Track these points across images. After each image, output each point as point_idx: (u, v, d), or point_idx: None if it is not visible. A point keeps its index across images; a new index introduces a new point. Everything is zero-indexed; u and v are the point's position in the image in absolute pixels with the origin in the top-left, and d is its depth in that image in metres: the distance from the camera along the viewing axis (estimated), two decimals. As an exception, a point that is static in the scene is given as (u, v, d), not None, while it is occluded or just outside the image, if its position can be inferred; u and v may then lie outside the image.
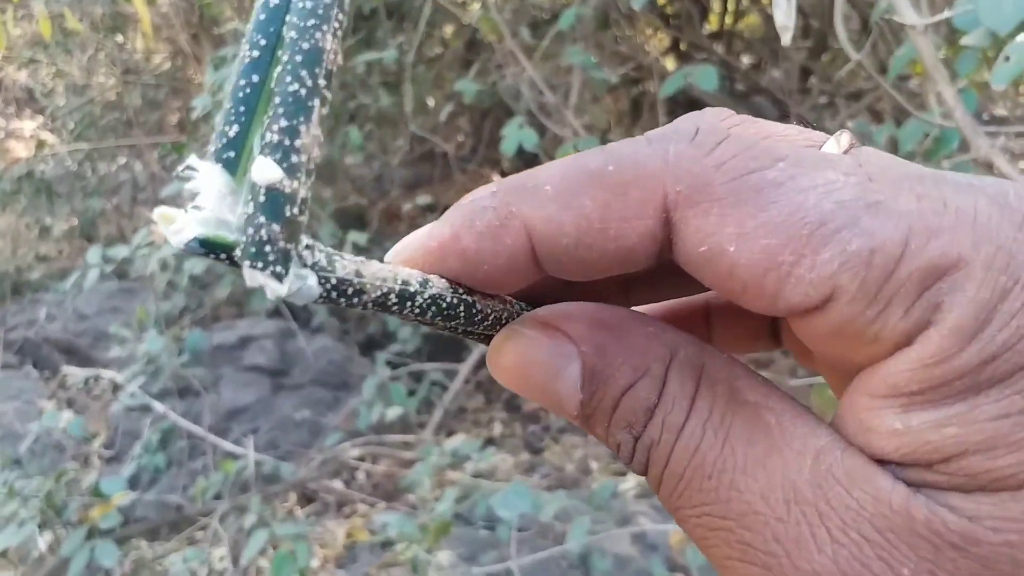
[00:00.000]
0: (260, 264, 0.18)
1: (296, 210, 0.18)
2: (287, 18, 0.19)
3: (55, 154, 2.74)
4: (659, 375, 0.22)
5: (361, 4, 2.02)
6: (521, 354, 0.24)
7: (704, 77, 1.28)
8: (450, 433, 2.03)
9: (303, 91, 0.18)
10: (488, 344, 0.26)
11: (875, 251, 0.19)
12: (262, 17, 0.19)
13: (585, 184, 0.22)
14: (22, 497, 1.63)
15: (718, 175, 0.21)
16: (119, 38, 2.69)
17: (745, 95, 2.56)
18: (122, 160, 2.88)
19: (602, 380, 0.22)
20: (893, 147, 1.43)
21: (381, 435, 1.92)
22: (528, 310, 0.25)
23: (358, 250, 2.00)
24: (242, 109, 0.19)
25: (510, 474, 1.90)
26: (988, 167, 0.74)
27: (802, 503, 0.20)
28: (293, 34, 0.19)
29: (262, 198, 0.18)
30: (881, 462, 0.20)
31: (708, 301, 0.30)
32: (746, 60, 2.78)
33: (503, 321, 0.25)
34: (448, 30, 2.51)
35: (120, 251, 1.84)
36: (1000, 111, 2.55)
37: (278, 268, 0.18)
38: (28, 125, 2.96)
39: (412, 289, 0.22)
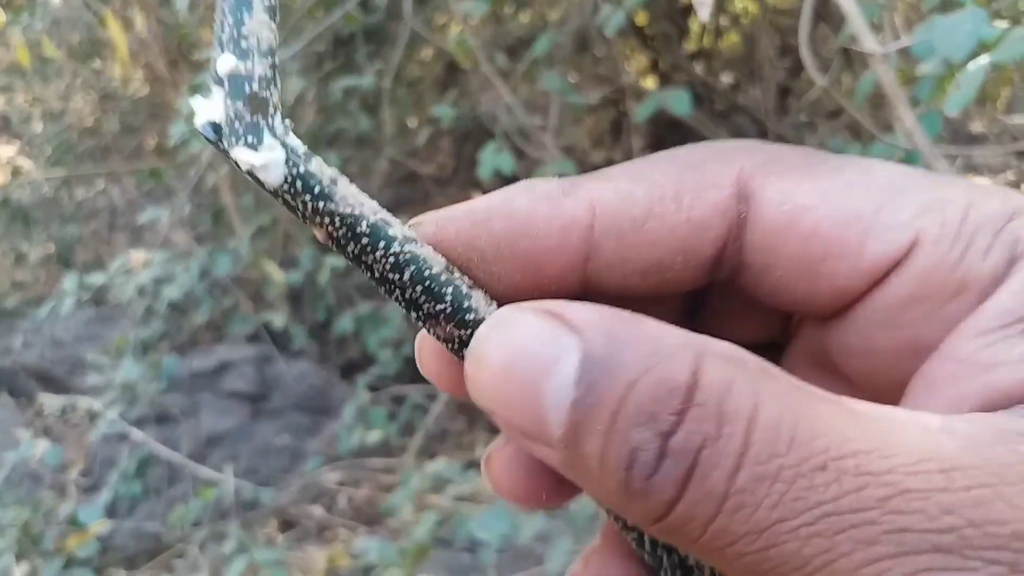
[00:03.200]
0: (235, 139, 0.20)
1: (255, 86, 0.21)
2: None
3: (32, 181, 2.73)
4: (687, 358, 0.17)
5: (339, 29, 2.04)
6: (509, 343, 0.19)
7: (677, 102, 1.30)
8: (432, 456, 2.02)
9: None
10: (457, 353, 0.22)
11: (946, 201, 0.20)
12: None
13: (657, 164, 0.21)
14: (-3, 528, 1.61)
15: (790, 152, 0.21)
16: (96, 64, 2.69)
17: (724, 115, 2.59)
18: (99, 186, 2.87)
19: (606, 368, 0.17)
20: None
21: (362, 459, 1.91)
22: None
23: (337, 276, 2.00)
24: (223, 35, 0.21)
25: (493, 496, 1.90)
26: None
27: (966, 468, 0.16)
28: None
29: (227, 86, 0.21)
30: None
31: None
32: (726, 79, 2.82)
33: None
34: (427, 53, 2.53)
35: (97, 278, 1.83)
36: (978, 127, 2.59)
37: (250, 138, 0.20)
38: (4, 151, 2.94)
39: (391, 232, 0.21)
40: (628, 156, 2.02)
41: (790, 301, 0.22)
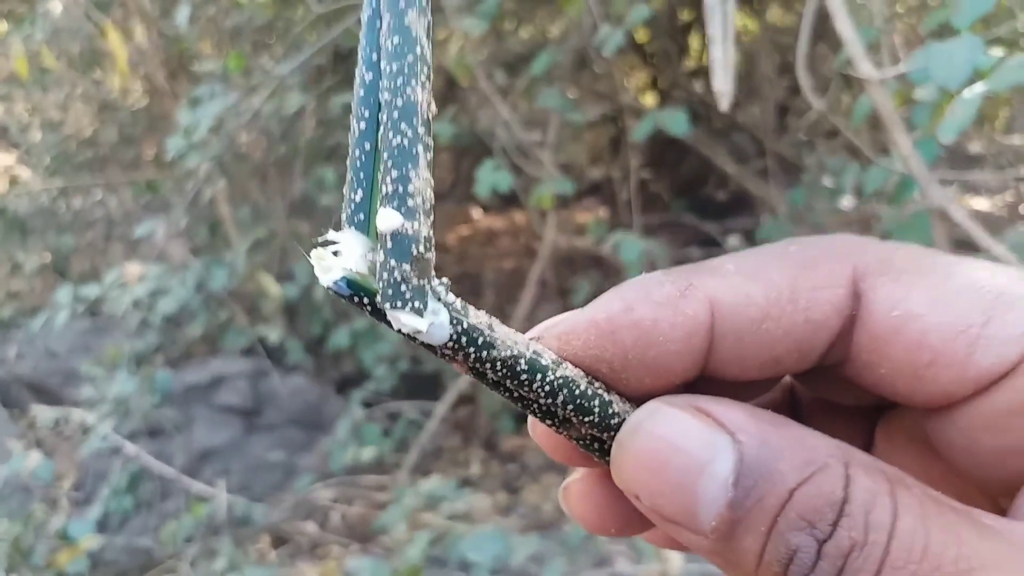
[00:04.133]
0: (399, 303, 0.20)
1: (422, 248, 0.20)
2: (380, 83, 0.20)
3: (29, 190, 2.73)
4: (840, 471, 0.19)
5: (339, 44, 2.04)
6: (662, 438, 0.20)
7: (674, 122, 1.30)
8: (427, 473, 2.01)
9: (405, 141, 0.20)
10: (603, 459, 0.23)
11: None
12: (361, 93, 0.21)
13: (769, 260, 0.22)
14: (-13, 542, 1.60)
15: (899, 251, 0.22)
16: (96, 75, 2.70)
17: (723, 132, 2.59)
18: (97, 196, 2.87)
19: (765, 474, 0.19)
20: (859, 190, 1.45)
21: (355, 476, 1.90)
22: None
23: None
24: (362, 176, 0.20)
25: (488, 515, 1.88)
26: (941, 215, 0.75)
27: None
28: (387, 96, 0.20)
29: (389, 244, 0.20)
30: None
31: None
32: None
33: None
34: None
35: (91, 290, 1.82)
36: (977, 148, 2.59)
37: (416, 304, 0.20)
38: (2, 161, 2.94)
39: (544, 362, 0.21)
40: (626, 173, 2.02)
41: (892, 393, 0.22)
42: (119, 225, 2.76)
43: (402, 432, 1.97)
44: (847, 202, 1.80)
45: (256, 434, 2.04)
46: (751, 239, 2.11)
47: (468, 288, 2.63)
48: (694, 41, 2.77)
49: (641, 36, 2.48)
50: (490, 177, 1.44)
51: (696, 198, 2.60)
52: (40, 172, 2.77)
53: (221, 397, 2.08)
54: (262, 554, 1.80)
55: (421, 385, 2.09)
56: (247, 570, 1.54)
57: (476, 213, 3.15)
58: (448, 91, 2.50)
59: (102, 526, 1.83)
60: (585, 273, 2.24)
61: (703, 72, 2.81)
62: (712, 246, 2.27)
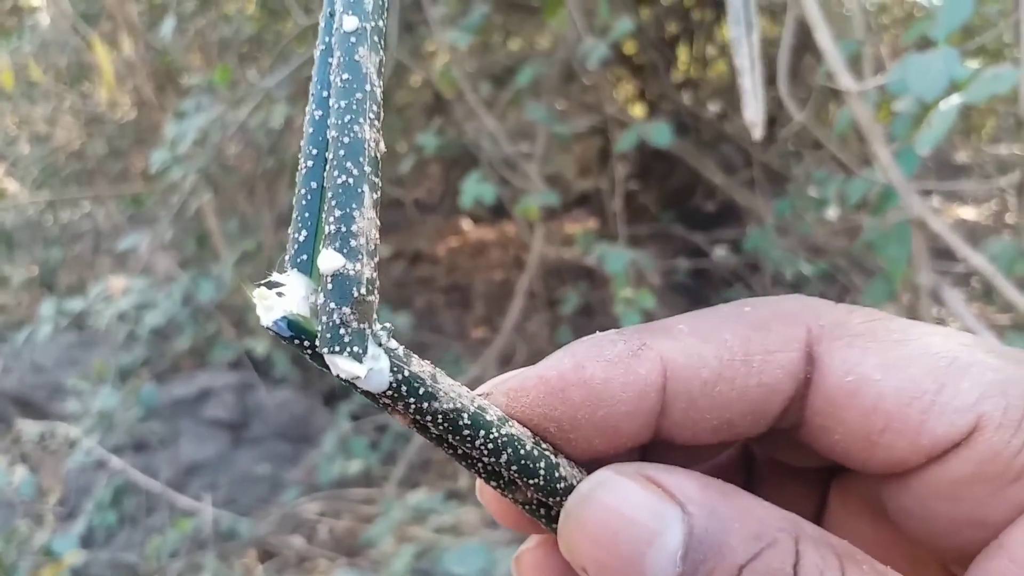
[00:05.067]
0: (337, 347, 0.19)
1: (364, 290, 0.19)
2: (328, 120, 0.20)
3: (16, 203, 2.72)
4: (789, 547, 0.19)
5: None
6: (610, 508, 0.19)
7: (658, 133, 1.30)
8: (414, 486, 2.00)
9: (350, 180, 0.19)
10: (549, 526, 0.22)
11: (1009, 382, 0.19)
12: (310, 130, 0.20)
13: (723, 322, 0.21)
14: (-32, 559, 1.58)
15: (853, 315, 0.21)
16: (83, 88, 2.69)
17: (711, 144, 2.61)
18: (84, 209, 2.86)
19: (714, 547, 0.18)
20: (843, 200, 1.46)
21: (343, 489, 1.89)
22: None
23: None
24: (307, 215, 0.20)
25: (475, 528, 1.88)
26: (921, 225, 0.75)
27: None
28: (334, 133, 0.20)
29: (330, 285, 0.19)
30: None
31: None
32: (712, 108, 2.84)
33: None
34: (416, 79, 2.54)
35: (76, 304, 1.81)
36: (963, 158, 2.61)
37: (355, 348, 0.19)
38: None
39: (489, 418, 0.21)
40: (613, 184, 2.03)
41: (845, 459, 0.22)
42: (107, 238, 2.75)
43: (389, 445, 1.96)
44: (832, 213, 1.81)
45: (243, 447, 2.03)
46: (738, 249, 2.12)
47: (457, 299, 2.63)
48: (682, 53, 2.79)
49: (628, 48, 2.50)
50: (475, 189, 1.44)
51: (684, 209, 2.61)
52: (27, 185, 2.76)
53: (208, 410, 2.07)
54: (248, 569, 1.78)
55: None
56: (233, 585, 1.53)
57: (465, 225, 3.15)
58: (435, 103, 2.50)
59: (87, 541, 1.81)
60: (574, 284, 2.24)
61: (691, 83, 2.82)
62: (700, 256, 2.27)
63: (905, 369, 0.20)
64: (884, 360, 0.20)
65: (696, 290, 2.28)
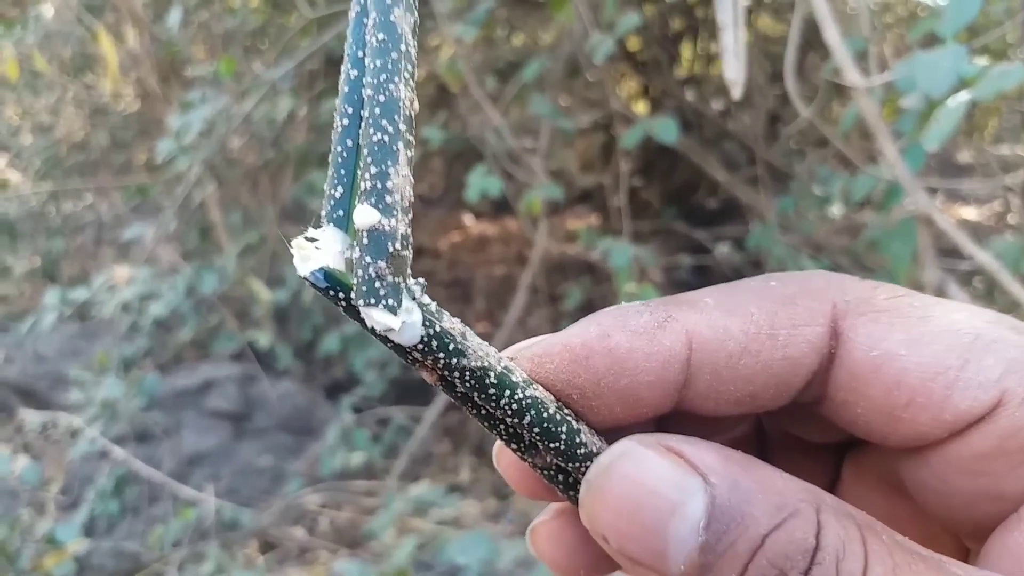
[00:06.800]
0: (373, 299, 0.19)
1: (398, 245, 0.20)
2: (363, 79, 0.20)
3: (19, 194, 2.72)
4: (811, 517, 0.19)
5: (331, 49, 2.04)
6: (632, 479, 0.20)
7: (663, 129, 1.31)
8: (416, 479, 2.01)
9: (386, 138, 0.20)
10: (567, 493, 0.22)
11: None
12: (345, 89, 0.21)
13: (749, 296, 0.22)
14: (-28, 547, 1.59)
15: (878, 292, 0.22)
16: (87, 79, 2.69)
17: (714, 140, 2.61)
18: (87, 200, 2.86)
19: (737, 518, 0.19)
20: (847, 197, 1.46)
21: (345, 481, 1.89)
22: None
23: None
24: (343, 172, 0.20)
25: (477, 520, 1.88)
26: (927, 222, 0.76)
27: None
28: (369, 92, 0.20)
29: (365, 240, 0.19)
30: None
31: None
32: (716, 105, 2.84)
33: None
34: (420, 73, 2.53)
35: (80, 293, 1.81)
36: (966, 157, 2.61)
37: (390, 301, 0.19)
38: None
39: (515, 379, 0.21)
40: (617, 180, 2.03)
41: (867, 433, 0.22)
42: (109, 229, 2.75)
43: (392, 438, 1.96)
44: (836, 210, 1.81)
45: (245, 439, 2.03)
46: (741, 247, 2.12)
47: (459, 294, 2.63)
48: (685, 50, 2.78)
49: (633, 44, 2.50)
50: (480, 182, 1.45)
51: (687, 205, 2.61)
52: (30, 176, 2.76)
53: (210, 402, 2.07)
54: (250, 559, 1.79)
55: (411, 391, 2.08)
56: (235, 575, 1.53)
57: (468, 220, 3.15)
58: (439, 97, 2.50)
59: (89, 530, 1.82)
60: (576, 280, 2.24)
61: (694, 80, 2.82)
62: (702, 253, 2.28)
63: (929, 345, 0.20)
64: (908, 336, 0.21)
65: (698, 287, 2.27)
